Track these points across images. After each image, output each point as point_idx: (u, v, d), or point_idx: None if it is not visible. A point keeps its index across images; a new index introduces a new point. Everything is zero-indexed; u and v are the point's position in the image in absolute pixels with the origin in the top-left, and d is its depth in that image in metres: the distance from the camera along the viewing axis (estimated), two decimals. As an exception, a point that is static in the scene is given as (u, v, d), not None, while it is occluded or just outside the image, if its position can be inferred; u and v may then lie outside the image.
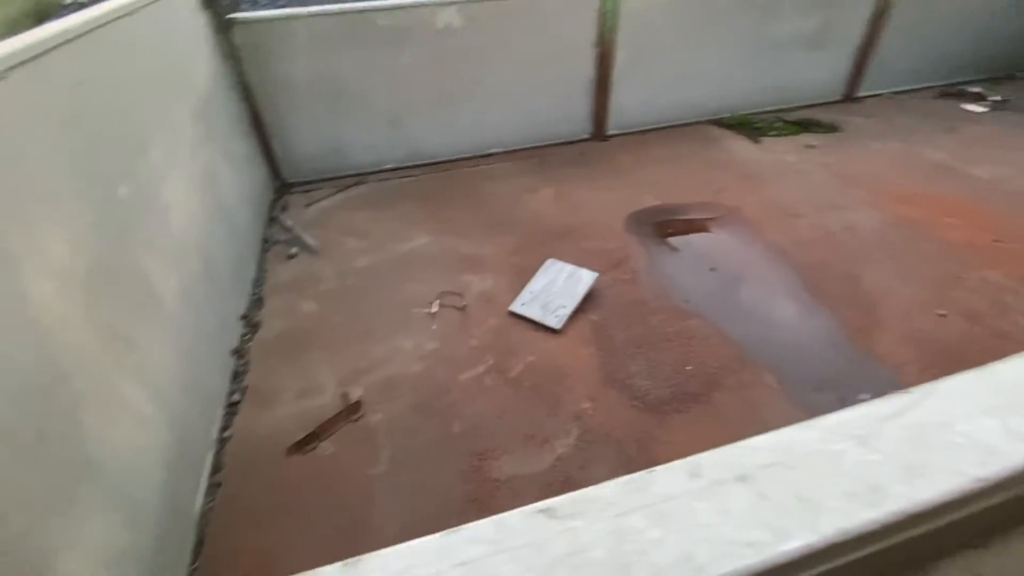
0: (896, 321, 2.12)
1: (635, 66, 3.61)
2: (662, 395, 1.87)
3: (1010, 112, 4.03)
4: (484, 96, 3.48)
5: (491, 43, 3.29)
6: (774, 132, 3.82)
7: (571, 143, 3.79)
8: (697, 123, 4.00)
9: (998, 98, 4.19)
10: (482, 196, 3.18)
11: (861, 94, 4.35)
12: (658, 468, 0.45)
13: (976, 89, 4.35)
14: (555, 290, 2.27)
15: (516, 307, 2.24)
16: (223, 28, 2.84)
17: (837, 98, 4.32)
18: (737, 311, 2.22)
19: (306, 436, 1.73)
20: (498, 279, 2.46)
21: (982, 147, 3.50)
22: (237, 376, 2.03)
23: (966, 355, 1.94)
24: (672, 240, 2.71)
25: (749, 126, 3.91)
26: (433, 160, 3.57)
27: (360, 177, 3.44)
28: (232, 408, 1.91)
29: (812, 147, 3.60)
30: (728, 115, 4.05)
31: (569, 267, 2.37)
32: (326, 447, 1.72)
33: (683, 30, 3.59)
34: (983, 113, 4.02)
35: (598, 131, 3.82)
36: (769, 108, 4.16)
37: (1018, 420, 0.47)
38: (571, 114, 3.72)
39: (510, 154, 3.67)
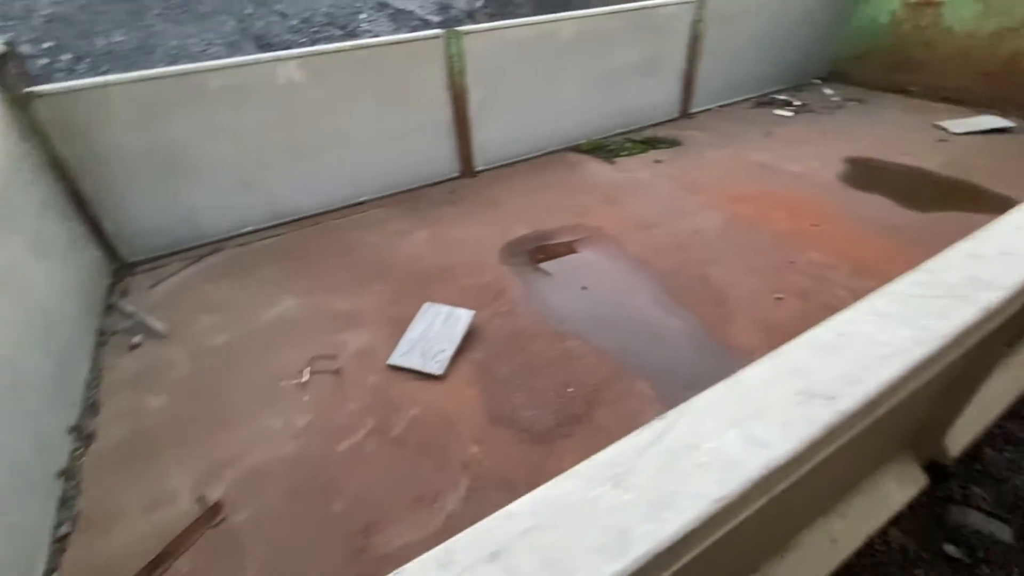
0: (743, 311, 2.34)
1: (490, 105, 3.76)
2: (547, 423, 1.87)
3: (810, 113, 4.75)
4: (345, 146, 3.41)
5: (342, 93, 3.25)
6: (625, 152, 4.15)
7: (442, 182, 3.82)
8: (558, 151, 4.23)
9: (800, 103, 4.93)
10: (353, 247, 3.07)
11: (694, 110, 4.89)
12: (407, 566, 0.41)
13: (783, 97, 5.09)
14: (433, 335, 2.22)
15: (395, 359, 2.15)
16: (20, 103, 2.51)
17: (676, 116, 4.82)
18: (609, 325, 2.32)
19: (154, 559, 1.48)
20: (375, 333, 2.36)
21: (793, 146, 4.07)
22: (66, 502, 1.71)
23: (802, 331, 2.17)
24: (545, 265, 2.79)
25: (603, 149, 4.21)
26: (297, 216, 3.41)
27: (216, 245, 3.17)
28: (60, 543, 1.60)
29: (660, 162, 3.95)
30: (584, 141, 4.34)
31: (446, 308, 2.34)
32: (180, 566, 1.49)
33: (530, 68, 3.81)
34: (791, 117, 4.69)
35: (467, 168, 3.89)
36: (619, 131, 4.52)
37: (757, 425, 0.50)
38: (438, 154, 3.76)
39: (382, 200, 3.61)
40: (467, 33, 3.42)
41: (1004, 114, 4.43)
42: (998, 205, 3.07)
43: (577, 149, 4.26)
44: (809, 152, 3.93)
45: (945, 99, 4.85)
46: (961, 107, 4.68)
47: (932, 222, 2.95)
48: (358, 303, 2.57)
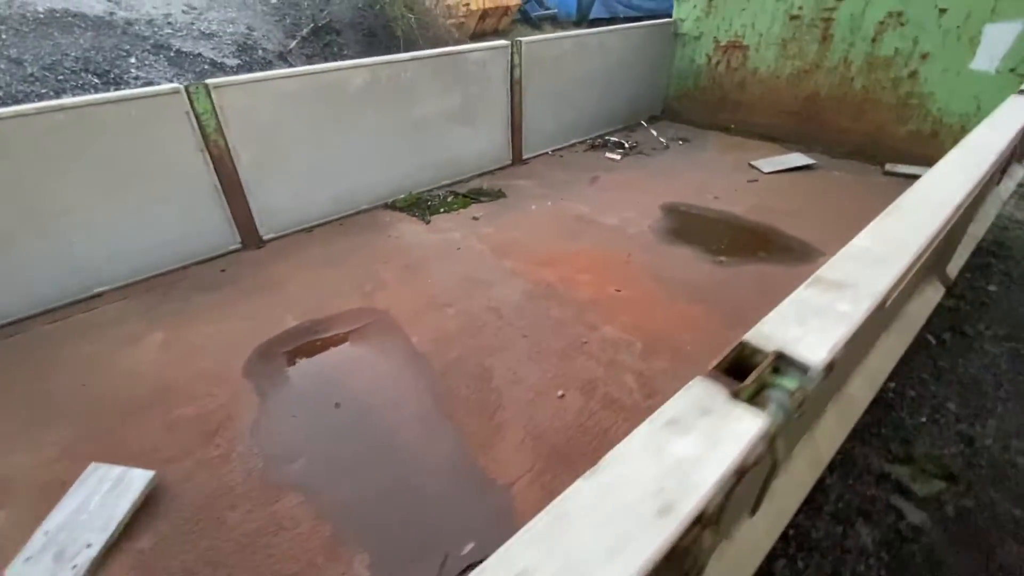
0: (517, 419, 1.96)
1: (269, 164, 3.20)
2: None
3: (639, 155, 4.72)
4: (66, 227, 2.67)
5: (54, 165, 2.53)
6: (445, 208, 3.77)
7: (214, 258, 3.17)
8: (370, 210, 3.76)
9: (631, 144, 4.90)
10: (54, 366, 2.33)
11: (528, 156, 4.68)
12: None
13: (616, 138, 5.05)
14: (85, 518, 1.59)
15: (11, 570, 1.49)
16: None
17: (508, 163, 4.56)
18: (352, 463, 1.82)
19: None
20: (15, 514, 1.67)
21: (616, 193, 3.94)
22: None
23: (575, 445, 1.83)
24: (299, 372, 2.26)
25: (421, 205, 3.80)
26: (-10, 325, 2.59)
27: None
28: None
29: (477, 219, 3.61)
30: (403, 196, 3.91)
31: (117, 470, 1.71)
32: None
33: (316, 121, 3.32)
34: (619, 160, 4.62)
35: (250, 238, 3.28)
36: (446, 182, 4.16)
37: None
38: (205, 226, 3.12)
39: (124, 289, 2.88)
40: (218, 87, 2.86)
41: (809, 149, 4.66)
42: (794, 253, 3.05)
43: (393, 206, 3.82)
44: (629, 200, 3.80)
45: (760, 136, 5.06)
46: (774, 143, 4.90)
47: (731, 277, 2.83)
48: (12, 461, 1.86)
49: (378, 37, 5.44)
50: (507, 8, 16.87)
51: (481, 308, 2.62)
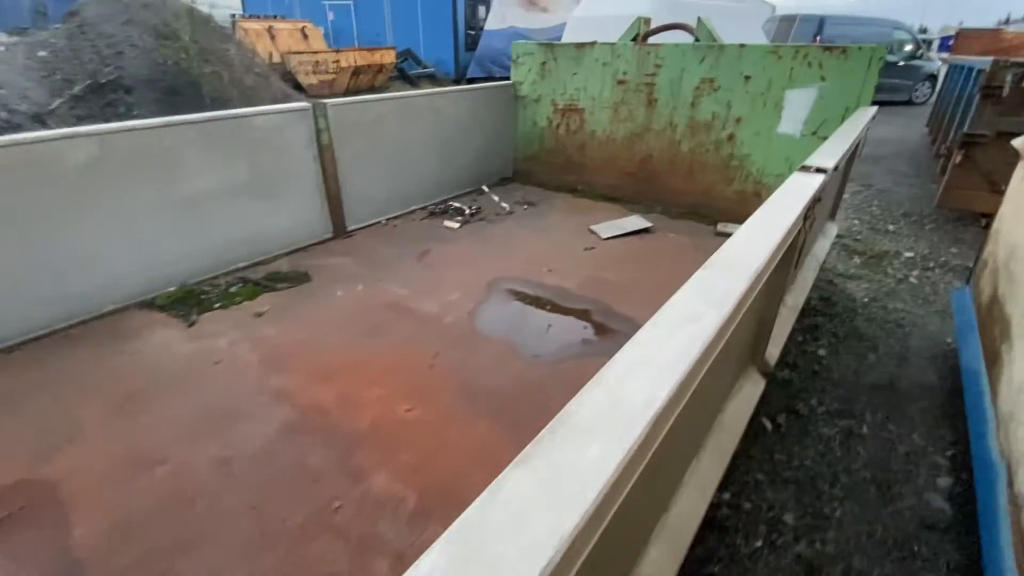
0: None
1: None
2: None
3: (481, 222, 4.34)
4: None
5: None
6: (223, 303, 3.03)
7: None
8: (117, 311, 2.91)
9: (474, 210, 4.53)
10: None
11: (352, 227, 4.10)
12: None
13: (459, 204, 4.65)
14: None
15: None
16: None
17: (328, 236, 3.95)
18: None
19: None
20: None
21: (443, 270, 3.46)
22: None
23: None
24: None
25: (192, 301, 3.02)
26: None
27: None
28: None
29: (261, 315, 2.91)
30: (173, 289, 3.11)
31: None
32: None
33: (14, 210, 2.48)
34: (458, 228, 4.20)
35: (-102, 374, 2.29)
36: (240, 264, 3.42)
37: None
38: None
39: None
40: None
41: (649, 210, 4.59)
42: (618, 336, 2.70)
43: (153, 304, 2.99)
44: (456, 278, 3.33)
45: (605, 197, 4.95)
46: (617, 204, 4.79)
47: (547, 377, 2.39)
48: None
49: (183, 96, 4.70)
50: (381, 66, 16.71)
51: (207, 463, 1.89)
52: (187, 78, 4.63)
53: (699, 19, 4.12)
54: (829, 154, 2.11)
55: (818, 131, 3.74)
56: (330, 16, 20.42)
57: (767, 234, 1.47)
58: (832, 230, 3.79)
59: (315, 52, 15.33)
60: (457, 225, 4.23)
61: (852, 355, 3.14)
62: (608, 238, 4.00)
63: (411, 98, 4.26)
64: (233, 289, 3.17)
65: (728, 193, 4.31)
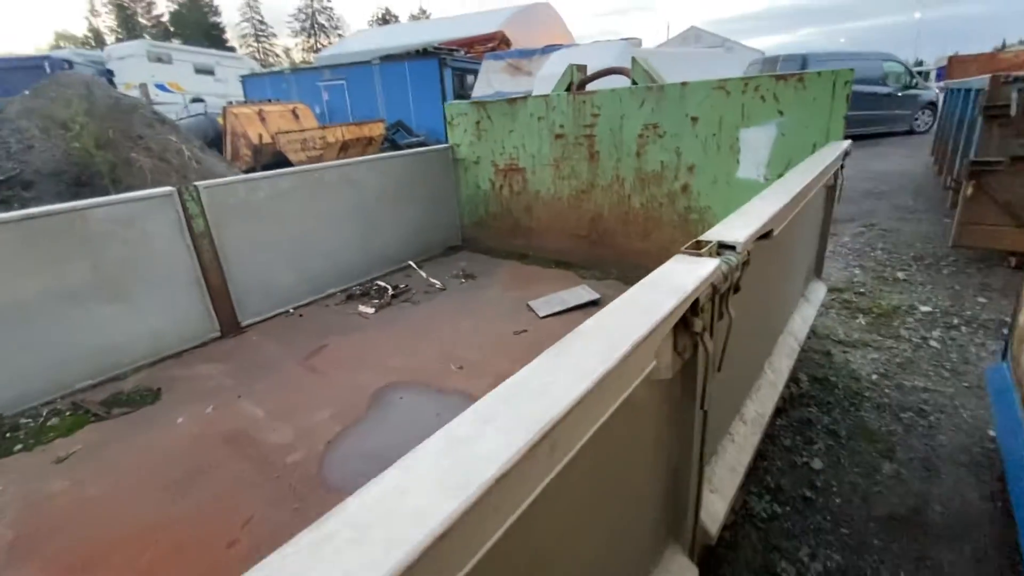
0: None
1: None
2: None
3: (404, 304, 3.71)
4: None
5: None
6: (29, 441, 2.38)
7: None
8: None
9: (397, 289, 3.91)
10: None
11: (249, 321, 3.50)
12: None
13: (383, 283, 4.04)
14: None
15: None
16: None
17: (214, 335, 3.34)
18: None
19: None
20: None
21: (327, 375, 2.79)
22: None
23: None
24: None
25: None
26: None
27: None
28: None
29: (64, 459, 2.25)
30: (-19, 423, 2.49)
31: None
32: None
33: None
34: (372, 314, 3.57)
35: None
36: (82, 384, 2.81)
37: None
38: None
39: None
40: None
41: (605, 274, 3.92)
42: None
43: (-59, 450, 2.37)
44: (339, 387, 2.65)
45: (556, 263, 4.31)
46: (569, 270, 4.13)
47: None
48: None
49: (89, 187, 4.36)
50: (370, 138, 16.94)
51: None
52: (93, 168, 4.30)
53: (633, 59, 3.61)
54: (746, 222, 1.44)
55: (784, 173, 3.08)
56: (325, 96, 21.20)
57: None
58: (819, 291, 3.04)
59: (302, 130, 15.61)
60: (372, 310, 3.60)
61: (859, 467, 2.30)
62: (546, 316, 3.31)
63: (316, 172, 3.77)
64: (52, 422, 2.53)
65: (691, 252, 3.62)
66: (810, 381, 2.93)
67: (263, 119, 16.54)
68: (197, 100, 23.22)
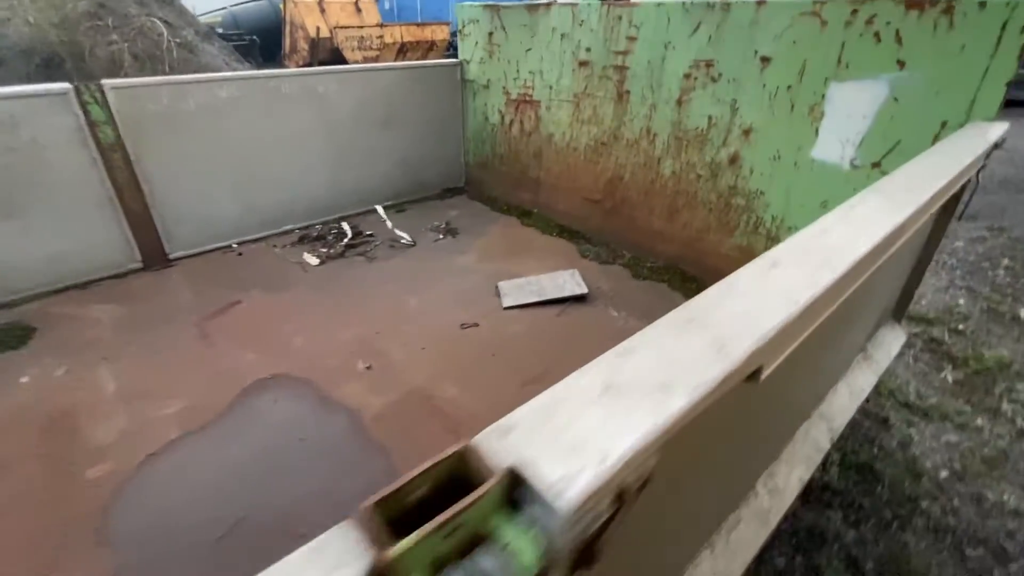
0: None
1: None
2: None
3: (357, 259, 3.08)
4: None
5: None
6: None
7: None
8: None
9: (357, 238, 3.26)
10: None
11: (179, 254, 3.02)
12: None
13: (347, 227, 3.40)
14: None
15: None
16: None
17: (135, 266, 2.89)
18: None
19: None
20: None
21: (217, 347, 2.26)
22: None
23: None
24: None
25: None
26: None
27: None
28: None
29: None
30: None
31: None
32: None
33: None
34: (315, 267, 2.98)
35: None
36: (-30, 306, 2.46)
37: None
38: None
39: None
40: None
41: (613, 256, 3.09)
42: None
43: None
44: (218, 367, 2.13)
45: (560, 229, 3.48)
46: (574, 242, 3.32)
47: None
48: None
49: (62, 68, 3.89)
50: (432, 43, 15.72)
51: None
52: (72, 48, 3.82)
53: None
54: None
55: (885, 161, 2.04)
56: (392, -12, 19.70)
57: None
58: (891, 343, 2.09)
59: (360, 27, 14.61)
60: (316, 261, 3.01)
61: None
62: (511, 307, 2.58)
63: (270, 80, 3.04)
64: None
65: (726, 247, 2.68)
66: (843, 465, 2.09)
67: (323, 10, 15.60)
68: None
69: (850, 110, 2.08)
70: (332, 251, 3.10)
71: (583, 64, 3.03)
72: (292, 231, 3.39)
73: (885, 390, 2.52)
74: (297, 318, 2.48)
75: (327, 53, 14.44)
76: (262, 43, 14.46)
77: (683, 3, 2.46)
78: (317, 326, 2.42)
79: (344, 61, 14.29)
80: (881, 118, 2.01)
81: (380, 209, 3.48)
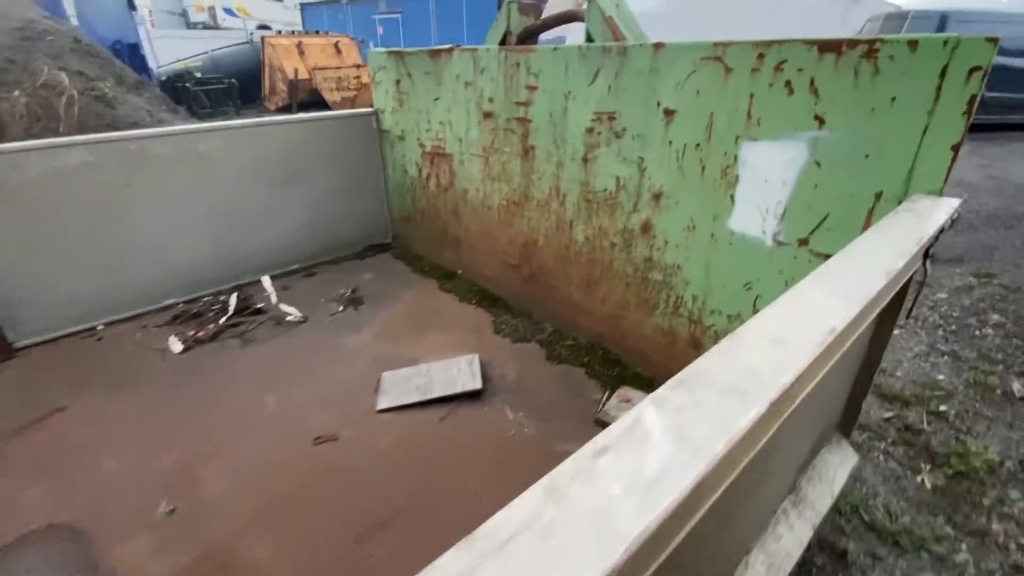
0: None
1: None
2: None
3: (232, 342, 2.65)
4: None
5: None
6: None
7: None
8: None
9: (245, 314, 2.85)
10: None
11: (24, 343, 2.60)
12: None
13: (232, 299, 2.98)
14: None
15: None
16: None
17: (-35, 359, 2.47)
18: None
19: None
20: None
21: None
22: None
23: None
24: None
25: None
26: None
27: None
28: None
29: None
30: None
31: None
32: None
33: None
34: (176, 354, 2.55)
35: None
36: None
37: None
38: None
39: None
40: None
41: (535, 329, 2.66)
42: None
43: None
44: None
45: (482, 296, 3.06)
46: (496, 312, 2.90)
47: None
48: None
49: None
50: (410, 82, 15.63)
51: None
52: None
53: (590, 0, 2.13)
54: None
55: (813, 238, 1.61)
56: (380, 31, 19.96)
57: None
58: (841, 464, 1.62)
59: (338, 68, 14.62)
60: (180, 348, 2.58)
61: None
62: (385, 410, 2.13)
63: (132, 142, 2.67)
64: None
65: (648, 328, 2.24)
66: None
67: (302, 52, 15.65)
68: (263, 27, 22.71)
69: (767, 175, 1.67)
70: (203, 333, 2.68)
71: (487, 116, 2.66)
72: (174, 306, 2.98)
73: (847, 506, 2.04)
74: (120, 432, 2.03)
75: (306, 94, 14.39)
76: (242, 86, 14.43)
77: (579, 47, 2.09)
78: (140, 443, 1.97)
79: (324, 101, 14.25)
80: (803, 185, 1.60)
81: (266, 280, 3.06)
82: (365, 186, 3.64)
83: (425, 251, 3.60)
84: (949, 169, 1.32)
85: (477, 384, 2.18)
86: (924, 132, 1.33)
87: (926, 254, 1.18)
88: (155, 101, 5.37)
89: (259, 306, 2.94)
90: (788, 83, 1.53)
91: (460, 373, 2.27)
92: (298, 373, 2.38)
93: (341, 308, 2.96)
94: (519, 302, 2.90)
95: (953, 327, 3.30)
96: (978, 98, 1.25)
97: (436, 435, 2.00)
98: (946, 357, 2.99)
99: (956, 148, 1.30)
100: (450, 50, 2.76)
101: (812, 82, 1.49)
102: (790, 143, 1.58)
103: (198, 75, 14.71)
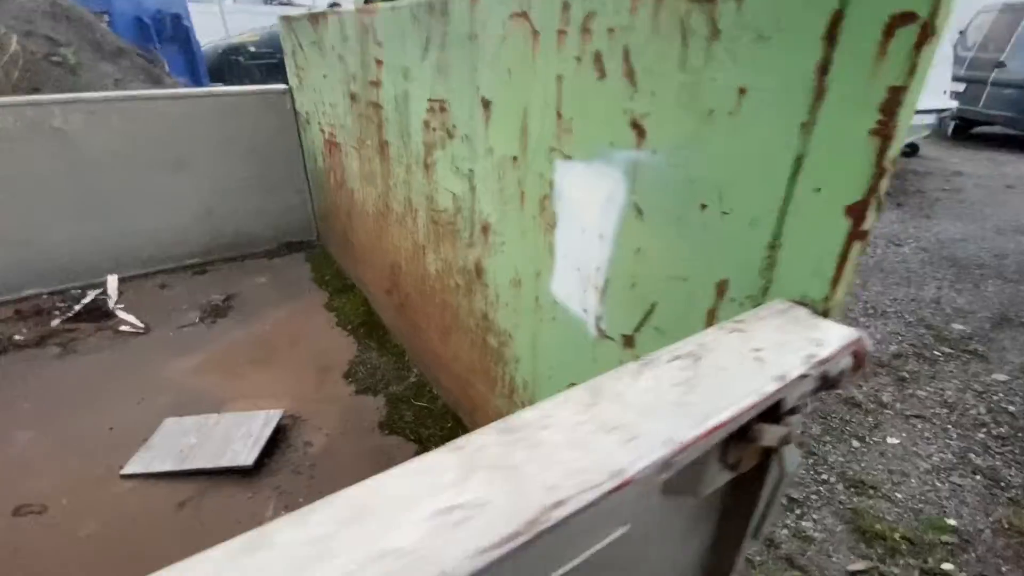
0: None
1: None
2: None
3: (53, 351, 2.27)
4: None
5: None
6: None
7: None
8: None
9: (75, 313, 2.46)
10: None
11: None
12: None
13: (90, 296, 2.62)
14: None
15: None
16: None
17: None
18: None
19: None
20: None
21: None
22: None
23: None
24: None
25: None
26: None
27: None
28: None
29: None
30: None
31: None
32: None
33: None
34: (60, 360, 2.19)
35: None
36: None
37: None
38: None
39: None
40: None
41: (400, 371, 2.09)
42: None
43: None
44: None
45: (364, 322, 2.52)
46: (366, 345, 2.36)
47: None
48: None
49: None
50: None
51: None
52: None
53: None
54: None
55: (639, 337, 0.91)
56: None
57: None
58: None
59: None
60: (56, 351, 2.23)
61: None
62: (130, 476, 1.64)
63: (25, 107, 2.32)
64: None
65: (492, 408, 1.59)
66: None
67: (353, 29, 15.50)
68: (335, 4, 23.01)
69: (583, 220, 0.98)
70: (25, 338, 2.32)
71: (353, 98, 2.07)
72: (37, 297, 2.66)
73: None
74: None
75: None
76: (293, 62, 14.55)
77: (411, 6, 1.45)
78: None
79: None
80: (623, 247, 0.90)
81: (111, 280, 2.65)
82: (281, 175, 3.17)
83: (338, 255, 3.09)
84: (848, 249, 0.59)
85: (248, 461, 1.63)
86: (795, 165, 0.61)
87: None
88: (132, 71, 5.22)
89: (120, 306, 2.56)
90: (598, 57, 0.84)
91: (245, 436, 1.73)
92: (77, 405, 1.95)
93: (197, 320, 2.51)
94: (396, 334, 2.33)
95: (1004, 428, 2.35)
96: (912, 97, 0.52)
97: (164, 528, 1.49)
98: (979, 477, 2.10)
99: (863, 204, 0.57)
100: (327, 15, 2.18)
101: (627, 55, 0.78)
102: (605, 168, 0.89)
103: (252, 49, 14.94)
